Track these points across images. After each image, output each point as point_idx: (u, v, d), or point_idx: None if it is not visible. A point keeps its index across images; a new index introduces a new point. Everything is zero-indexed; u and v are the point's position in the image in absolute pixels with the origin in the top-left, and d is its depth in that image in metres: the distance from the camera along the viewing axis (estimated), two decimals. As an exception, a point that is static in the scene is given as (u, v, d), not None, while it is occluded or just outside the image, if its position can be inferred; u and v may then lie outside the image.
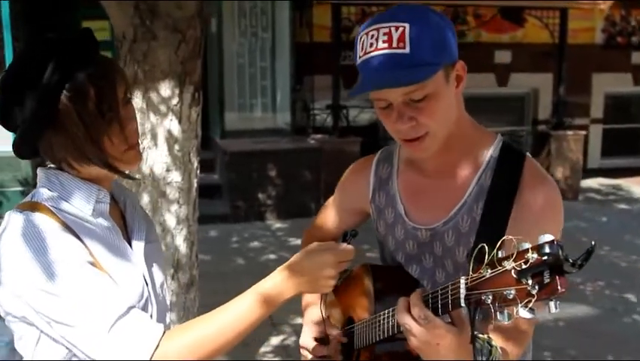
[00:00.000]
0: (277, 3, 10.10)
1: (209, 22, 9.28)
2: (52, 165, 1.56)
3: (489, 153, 1.75)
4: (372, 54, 1.59)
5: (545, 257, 1.16)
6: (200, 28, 3.35)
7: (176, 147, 3.35)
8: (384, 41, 1.58)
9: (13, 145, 1.49)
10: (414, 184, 1.86)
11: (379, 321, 1.68)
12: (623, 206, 10.49)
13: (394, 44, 1.57)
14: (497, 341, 1.58)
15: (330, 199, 2.16)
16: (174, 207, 3.40)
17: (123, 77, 1.53)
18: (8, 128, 1.50)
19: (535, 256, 1.18)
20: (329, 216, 2.14)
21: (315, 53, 10.36)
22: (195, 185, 3.50)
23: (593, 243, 1.18)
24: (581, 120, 12.04)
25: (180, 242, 3.45)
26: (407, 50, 1.56)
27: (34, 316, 1.42)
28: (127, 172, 1.58)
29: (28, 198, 1.53)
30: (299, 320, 5.56)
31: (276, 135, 10.19)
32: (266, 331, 5.40)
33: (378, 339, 1.68)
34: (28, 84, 1.43)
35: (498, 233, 1.39)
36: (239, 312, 1.50)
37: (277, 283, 1.53)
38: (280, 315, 5.52)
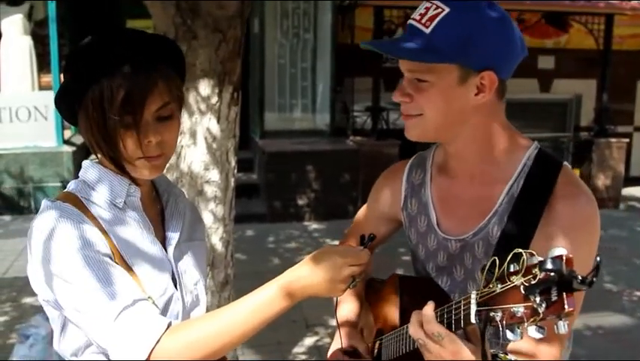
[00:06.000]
0: (320, 4, 10.11)
1: (248, 22, 9.31)
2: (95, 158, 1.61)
3: (523, 160, 1.66)
4: (409, 21, 1.61)
5: (552, 273, 1.09)
6: (240, 28, 3.37)
7: (215, 145, 3.38)
8: (419, 14, 1.59)
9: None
10: (446, 191, 1.78)
11: (403, 334, 1.62)
12: (665, 216, 10.28)
13: (423, 20, 1.57)
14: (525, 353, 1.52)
15: (364, 205, 2.08)
16: (211, 206, 3.42)
17: (165, 94, 1.51)
18: None
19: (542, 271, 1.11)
20: (362, 222, 2.06)
21: (357, 55, 10.28)
22: (232, 184, 3.51)
23: (598, 258, 1.12)
24: (624, 128, 11.85)
25: (216, 241, 3.47)
26: (428, 30, 1.55)
27: (54, 300, 1.49)
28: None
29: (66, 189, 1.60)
30: (333, 322, 5.56)
31: (315, 136, 10.18)
32: (300, 332, 5.39)
33: (402, 353, 1.63)
34: (78, 62, 1.52)
35: (521, 246, 1.25)
36: (243, 313, 1.47)
37: (287, 283, 1.47)
38: (314, 316, 5.53)
